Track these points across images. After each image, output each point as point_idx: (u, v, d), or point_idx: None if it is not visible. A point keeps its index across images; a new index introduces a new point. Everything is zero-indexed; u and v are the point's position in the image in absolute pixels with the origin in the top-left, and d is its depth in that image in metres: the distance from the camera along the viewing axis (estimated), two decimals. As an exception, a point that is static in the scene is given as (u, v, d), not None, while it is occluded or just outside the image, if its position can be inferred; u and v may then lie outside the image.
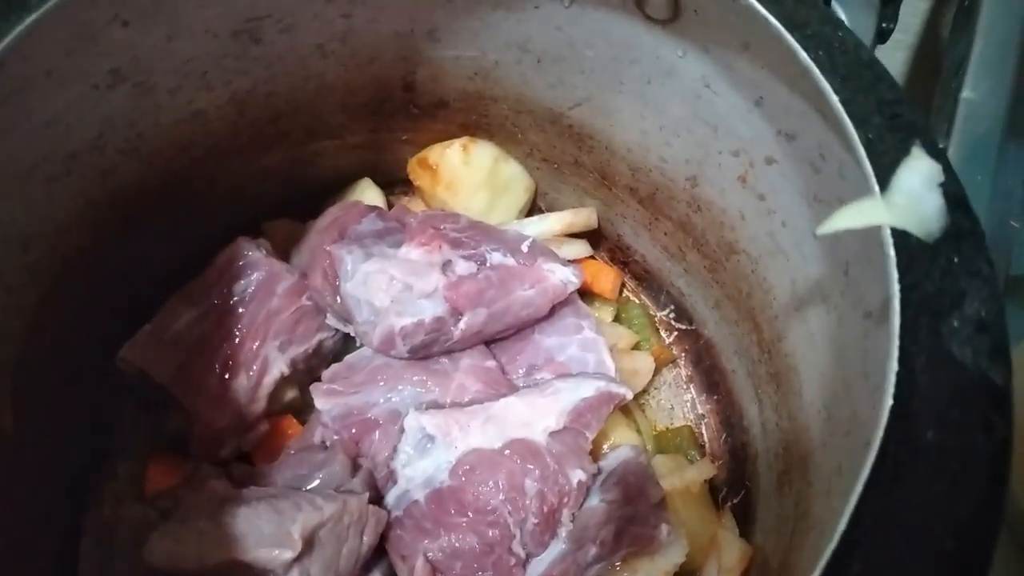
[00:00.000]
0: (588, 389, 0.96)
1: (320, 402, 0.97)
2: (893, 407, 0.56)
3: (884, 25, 1.25)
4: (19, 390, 0.83)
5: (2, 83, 0.70)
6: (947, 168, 0.65)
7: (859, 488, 0.53)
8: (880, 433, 0.54)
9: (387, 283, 0.97)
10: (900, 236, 0.62)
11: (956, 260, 0.63)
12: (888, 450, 0.55)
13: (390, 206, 1.15)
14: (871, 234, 0.67)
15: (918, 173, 0.63)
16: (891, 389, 0.55)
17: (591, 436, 0.95)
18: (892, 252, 0.61)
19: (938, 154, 0.66)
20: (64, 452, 0.93)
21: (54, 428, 0.91)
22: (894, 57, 1.56)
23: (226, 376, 0.97)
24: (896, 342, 0.57)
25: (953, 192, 0.65)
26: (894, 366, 0.56)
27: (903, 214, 0.61)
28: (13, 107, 0.73)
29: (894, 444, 0.56)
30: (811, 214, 0.84)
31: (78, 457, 0.96)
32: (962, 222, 0.65)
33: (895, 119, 0.66)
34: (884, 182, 0.64)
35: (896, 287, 0.60)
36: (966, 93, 1.14)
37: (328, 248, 1.01)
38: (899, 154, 0.65)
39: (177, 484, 0.98)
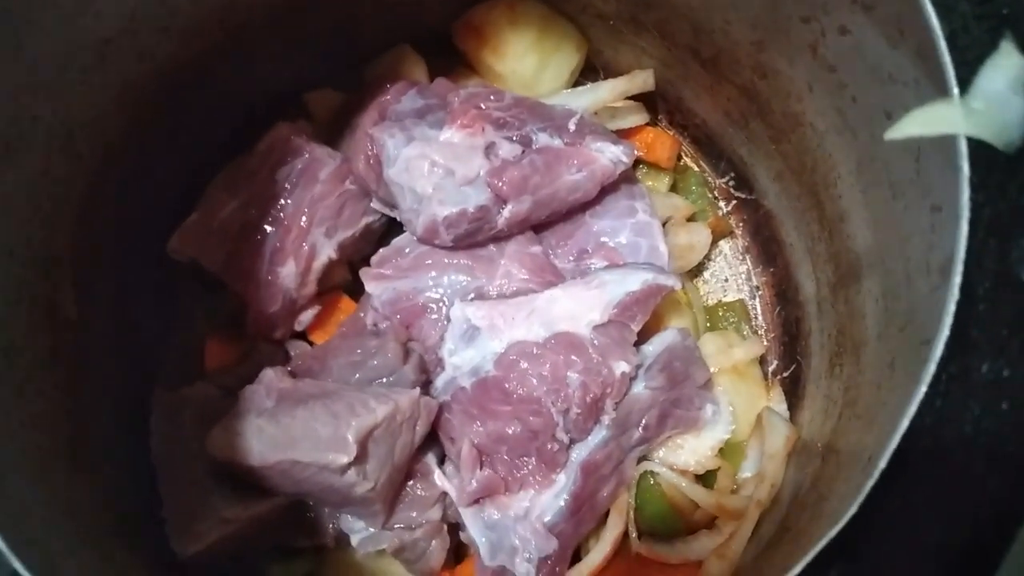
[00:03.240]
0: (635, 282, 0.93)
1: (371, 286, 0.98)
2: (949, 339, 0.52)
3: None
4: (79, 279, 0.85)
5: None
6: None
7: (911, 410, 0.51)
8: (934, 363, 0.51)
9: (429, 169, 0.94)
10: (976, 144, 0.56)
11: (1038, 174, 0.57)
12: (940, 387, 0.53)
13: (432, 78, 1.09)
14: (950, 142, 0.60)
15: (1004, 73, 0.55)
16: (950, 318, 0.52)
17: (636, 328, 0.94)
18: (966, 166, 0.55)
19: (1033, 45, 0.58)
20: (128, 332, 0.97)
21: (116, 311, 0.94)
22: None
23: (274, 263, 0.98)
24: (959, 267, 0.52)
25: (1044, 91, 0.58)
26: (955, 294, 0.52)
27: (982, 122, 0.54)
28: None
29: (946, 377, 0.53)
30: (884, 93, 0.76)
31: (144, 336, 1.00)
32: (1051, 127, 0.57)
33: (985, 5, 0.57)
34: (965, 83, 0.57)
35: (966, 204, 0.54)
36: None
37: (370, 131, 0.98)
38: (986, 49, 0.57)
39: (235, 362, 1.03)
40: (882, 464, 0.55)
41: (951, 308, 0.54)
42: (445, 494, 0.93)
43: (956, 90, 0.56)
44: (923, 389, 0.54)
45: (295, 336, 1.04)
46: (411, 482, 0.93)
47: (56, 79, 0.79)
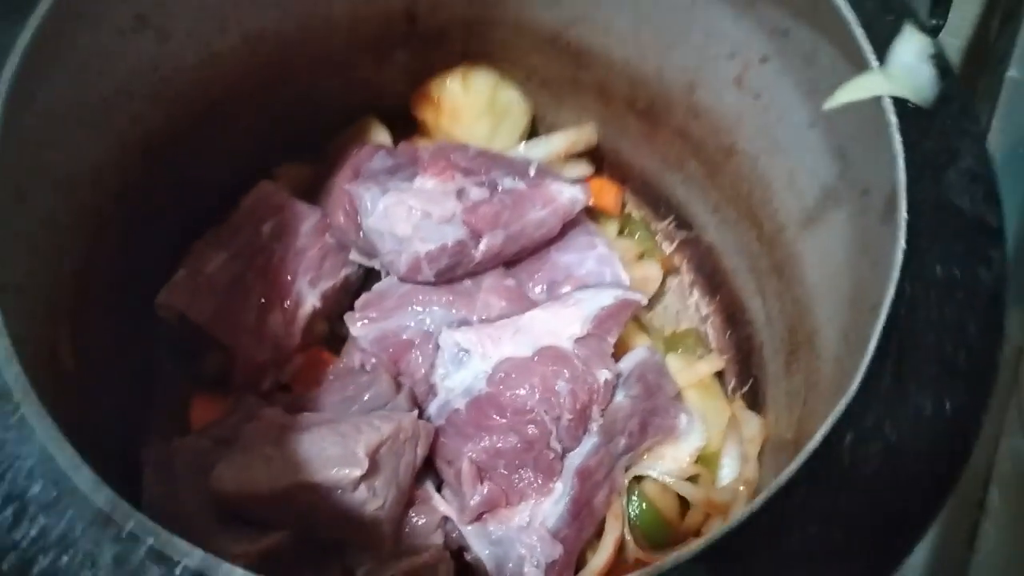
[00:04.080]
0: (607, 298, 1.02)
1: (355, 329, 1.02)
2: (906, 249, 0.62)
3: (934, 22, 1.23)
4: (77, 330, 0.86)
5: (37, 28, 0.73)
6: (936, 43, 0.71)
7: (882, 317, 0.60)
8: (897, 270, 0.60)
9: (407, 213, 1.01)
10: (899, 104, 0.68)
11: (949, 122, 0.69)
12: (904, 289, 0.62)
13: (395, 143, 1.19)
14: (866, 114, 0.73)
15: (911, 47, 0.68)
16: (903, 233, 0.62)
17: (613, 340, 1.01)
18: (894, 118, 0.67)
19: (928, 31, 0.72)
20: (116, 391, 0.97)
21: (107, 367, 0.95)
22: None
23: (263, 312, 1.02)
24: (904, 194, 0.63)
25: (942, 64, 0.72)
26: (904, 215, 0.63)
27: (901, 83, 0.67)
28: (48, 53, 0.76)
29: (909, 281, 0.62)
30: (806, 106, 0.90)
31: (129, 395, 1.01)
32: (951, 89, 0.71)
33: (887, 2, 0.72)
34: (881, 58, 0.70)
35: (899, 147, 0.66)
36: (1011, 73, 1.19)
37: (346, 187, 1.05)
38: (892, 33, 0.71)
39: (225, 415, 1.03)
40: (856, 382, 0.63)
41: (902, 242, 0.64)
42: (446, 519, 0.95)
43: (876, 63, 0.69)
44: (883, 318, 0.63)
45: (279, 389, 1.06)
46: (411, 510, 0.94)
47: (61, 131, 0.84)
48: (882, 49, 0.71)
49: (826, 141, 0.89)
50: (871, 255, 0.80)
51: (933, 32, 1.23)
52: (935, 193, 0.65)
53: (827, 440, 0.58)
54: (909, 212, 0.64)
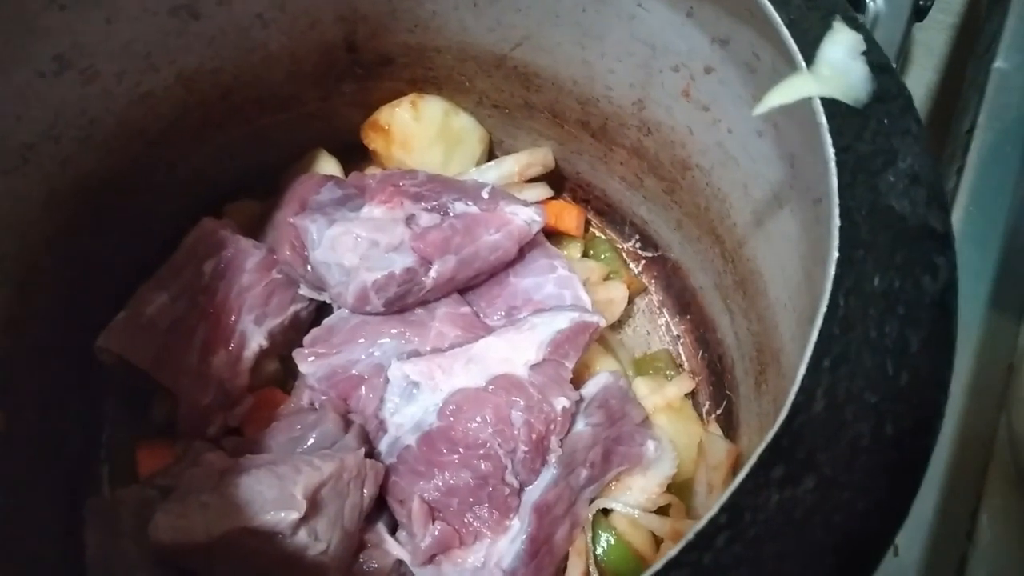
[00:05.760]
0: (563, 321, 0.98)
1: (304, 366, 0.99)
2: (839, 259, 0.58)
3: (922, 2, 1.22)
4: (6, 386, 0.83)
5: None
6: (868, 38, 0.68)
7: (814, 336, 0.56)
8: (830, 281, 0.56)
9: (354, 243, 0.98)
10: (831, 105, 0.65)
11: (886, 121, 0.65)
12: (839, 302, 0.58)
13: (347, 174, 1.16)
14: (804, 116, 0.70)
15: (841, 45, 0.65)
16: (836, 242, 0.58)
17: (571, 365, 0.97)
18: (824, 120, 0.63)
19: (858, 26, 0.69)
20: (56, 445, 0.94)
21: (43, 422, 0.92)
22: (934, 39, 1.54)
23: (205, 354, 0.98)
24: (835, 199, 0.59)
25: (877, 60, 0.68)
26: (836, 221, 0.59)
27: (830, 84, 0.64)
28: (-43, 99, 0.74)
29: (843, 295, 0.58)
30: (753, 115, 0.87)
31: (70, 448, 0.97)
32: (888, 86, 0.67)
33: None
34: (810, 58, 0.67)
35: (831, 151, 0.62)
36: (998, 64, 1.17)
37: (291, 220, 1.02)
38: (821, 30, 0.68)
39: (171, 463, 0.99)
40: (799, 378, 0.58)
41: (835, 252, 0.60)
42: (400, 562, 0.90)
43: (804, 64, 0.66)
44: (815, 336, 0.58)
45: (229, 433, 1.02)
46: (362, 554, 0.90)
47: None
48: (814, 49, 0.68)
49: (776, 149, 0.86)
50: (825, 268, 0.76)
51: (923, 10, 1.20)
52: (872, 198, 0.61)
53: (752, 475, 0.54)
54: (843, 218, 0.60)
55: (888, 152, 0.64)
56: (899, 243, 0.60)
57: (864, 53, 0.66)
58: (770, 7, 0.68)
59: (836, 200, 0.60)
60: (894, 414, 0.55)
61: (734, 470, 0.97)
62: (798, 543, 0.52)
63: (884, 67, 0.68)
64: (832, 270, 0.58)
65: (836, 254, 0.58)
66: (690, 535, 0.50)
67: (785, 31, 0.66)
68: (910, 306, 0.58)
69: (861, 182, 0.62)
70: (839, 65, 0.64)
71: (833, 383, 0.55)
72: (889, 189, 0.62)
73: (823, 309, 0.57)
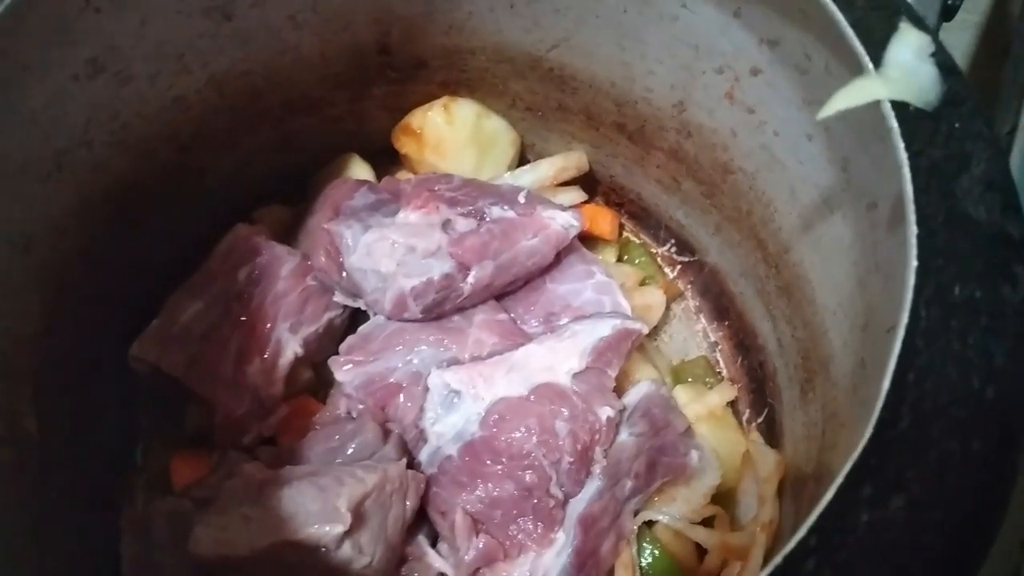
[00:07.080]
0: (605, 328, 0.96)
1: (340, 375, 0.97)
2: (918, 267, 0.56)
3: (950, 2, 1.18)
4: (39, 393, 0.82)
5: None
6: (936, 39, 0.66)
7: (896, 348, 0.54)
8: (910, 291, 0.54)
9: (390, 249, 0.96)
10: (900, 108, 0.63)
11: (957, 125, 0.63)
12: (920, 313, 0.56)
13: (379, 178, 1.14)
14: (867, 122, 0.67)
15: (909, 46, 0.63)
16: (913, 251, 0.56)
17: (614, 373, 0.95)
18: (895, 124, 0.61)
19: (925, 27, 0.67)
20: (90, 454, 0.92)
21: (77, 430, 0.90)
22: (960, 38, 1.52)
23: (240, 362, 0.97)
24: (912, 206, 0.57)
25: (945, 62, 0.66)
26: (913, 229, 0.56)
27: (900, 86, 0.61)
28: (-5, 105, 0.72)
29: (924, 305, 0.56)
30: (803, 118, 0.85)
31: (104, 458, 0.96)
32: (957, 89, 0.65)
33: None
34: (876, 60, 0.64)
35: (903, 156, 0.60)
36: None
37: (326, 227, 1.00)
38: (887, 31, 0.65)
39: (207, 474, 0.98)
40: (876, 411, 0.56)
41: (913, 260, 0.58)
42: (443, 575, 0.88)
43: (871, 66, 0.63)
44: (897, 348, 0.56)
45: (264, 443, 1.01)
46: (403, 568, 0.88)
47: (16, 185, 0.80)
48: (879, 50, 0.66)
49: (827, 153, 0.83)
50: (882, 273, 0.74)
51: (951, 10, 1.17)
52: (947, 204, 0.59)
53: (840, 495, 0.51)
54: (919, 226, 0.57)
55: (961, 157, 0.62)
56: (977, 251, 0.58)
57: (932, 55, 0.64)
58: (834, 7, 0.66)
59: (912, 207, 0.58)
60: (982, 429, 0.53)
61: (783, 488, 0.95)
62: (889, 566, 0.50)
63: (952, 69, 0.66)
64: (912, 279, 0.56)
65: (915, 263, 0.56)
66: (778, 559, 0.48)
67: (850, 32, 0.64)
68: (992, 316, 0.56)
69: (935, 188, 0.60)
70: (908, 67, 0.62)
71: (919, 398, 0.53)
72: (964, 195, 0.60)
73: (904, 320, 0.55)
